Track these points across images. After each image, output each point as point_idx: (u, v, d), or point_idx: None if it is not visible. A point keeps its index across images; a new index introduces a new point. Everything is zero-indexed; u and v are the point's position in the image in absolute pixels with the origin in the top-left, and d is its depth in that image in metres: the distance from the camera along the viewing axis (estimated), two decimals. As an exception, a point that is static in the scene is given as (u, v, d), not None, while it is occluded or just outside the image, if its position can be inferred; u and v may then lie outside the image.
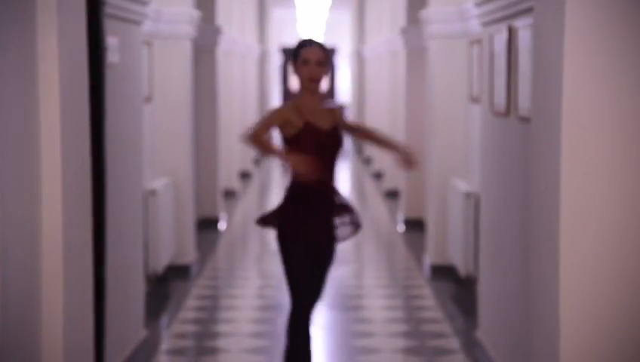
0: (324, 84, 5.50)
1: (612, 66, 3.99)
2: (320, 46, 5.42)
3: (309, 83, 5.37)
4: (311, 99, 5.41)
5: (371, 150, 20.37)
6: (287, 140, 5.37)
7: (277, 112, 5.42)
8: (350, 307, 8.14)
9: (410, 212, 12.22)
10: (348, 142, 28.78)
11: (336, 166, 5.48)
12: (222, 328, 7.52)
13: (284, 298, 8.08)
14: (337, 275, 9.01)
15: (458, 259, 8.58)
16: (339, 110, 5.56)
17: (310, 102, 5.41)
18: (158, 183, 8.78)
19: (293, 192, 5.38)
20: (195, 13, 9.53)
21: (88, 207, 5.03)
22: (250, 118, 19.93)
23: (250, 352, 6.85)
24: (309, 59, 5.36)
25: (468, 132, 9.06)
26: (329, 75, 6.32)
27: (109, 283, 5.57)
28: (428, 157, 9.92)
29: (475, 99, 8.43)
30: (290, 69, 5.47)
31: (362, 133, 5.74)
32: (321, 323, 7.59)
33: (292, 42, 34.35)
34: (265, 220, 5.43)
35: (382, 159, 17.54)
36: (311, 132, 5.33)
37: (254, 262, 10.38)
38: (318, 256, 5.41)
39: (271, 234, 12.52)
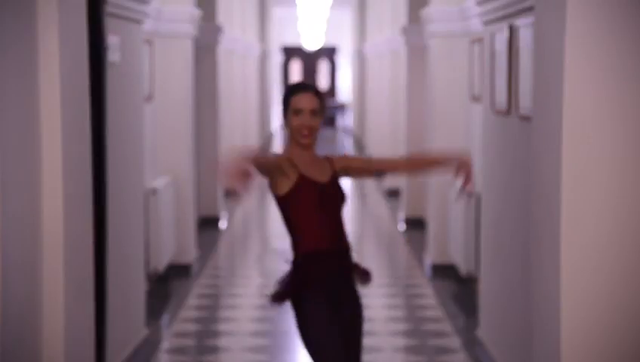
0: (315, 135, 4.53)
1: (613, 65, 3.99)
2: (314, 91, 4.54)
3: (302, 137, 4.49)
4: (304, 152, 4.53)
5: (373, 148, 20.34)
6: (282, 199, 4.48)
7: (275, 156, 4.52)
8: (351, 306, 8.14)
9: (410, 211, 12.22)
10: (349, 143, 28.77)
11: (343, 223, 4.59)
12: (223, 327, 7.52)
13: (284, 297, 8.07)
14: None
15: (459, 258, 8.58)
16: (338, 156, 4.69)
17: (303, 155, 4.53)
18: (159, 182, 8.78)
19: (304, 270, 4.48)
20: (196, 12, 9.53)
21: (89, 206, 5.03)
22: (252, 116, 19.93)
23: (251, 351, 6.85)
24: (302, 108, 4.48)
25: (469, 131, 9.06)
26: (323, 118, 4.80)
27: (110, 282, 5.57)
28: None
29: (476, 98, 8.43)
30: (282, 116, 4.57)
31: (381, 165, 4.77)
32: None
33: (293, 41, 34.41)
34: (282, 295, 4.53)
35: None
36: (309, 186, 4.47)
37: (255, 260, 10.38)
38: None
39: (271, 233, 12.54)
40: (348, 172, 4.69)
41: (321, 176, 4.55)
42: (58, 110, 4.50)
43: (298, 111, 4.49)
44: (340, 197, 4.57)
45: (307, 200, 4.48)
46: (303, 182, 4.47)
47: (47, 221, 4.52)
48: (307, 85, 4.57)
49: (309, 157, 4.54)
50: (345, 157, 4.71)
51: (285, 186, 4.46)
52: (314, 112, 4.49)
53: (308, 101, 4.49)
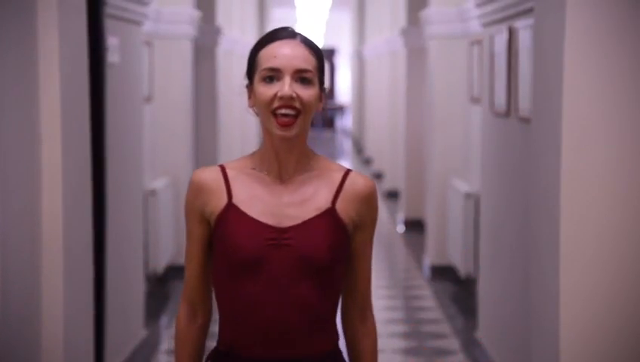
0: (304, 127, 2.52)
1: (612, 67, 3.99)
2: (302, 39, 2.55)
3: (279, 122, 2.49)
4: (282, 156, 2.55)
5: (372, 150, 20.34)
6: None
7: (187, 205, 2.61)
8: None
9: (410, 212, 12.22)
10: (348, 144, 28.72)
11: (331, 305, 2.57)
12: (222, 328, 7.52)
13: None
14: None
15: (458, 260, 8.59)
16: (360, 183, 2.58)
17: (280, 162, 2.55)
18: (158, 183, 8.78)
19: None
20: (195, 14, 9.53)
21: (88, 207, 5.03)
22: (250, 117, 19.93)
23: (250, 352, 6.85)
24: (279, 66, 2.47)
25: (468, 132, 9.06)
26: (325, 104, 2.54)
27: (109, 283, 5.57)
28: (428, 157, 9.92)
29: (475, 100, 8.43)
30: (247, 94, 2.63)
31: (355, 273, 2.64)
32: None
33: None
34: None
35: (382, 159, 17.53)
36: (242, 225, 2.51)
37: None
38: None
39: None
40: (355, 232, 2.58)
41: (285, 210, 2.52)
42: (58, 111, 4.50)
43: (272, 73, 2.48)
44: (316, 255, 2.49)
45: (233, 252, 2.50)
46: (231, 215, 2.52)
47: (47, 221, 4.52)
48: (292, 30, 2.56)
49: (291, 168, 2.55)
50: (363, 201, 2.57)
51: (212, 216, 2.56)
52: (303, 76, 2.48)
53: (290, 53, 2.48)
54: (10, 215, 4.14)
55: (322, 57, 2.56)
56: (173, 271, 9.20)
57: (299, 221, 2.50)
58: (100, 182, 5.29)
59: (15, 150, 4.23)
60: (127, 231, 6.38)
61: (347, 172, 2.58)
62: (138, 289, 6.79)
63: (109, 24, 5.59)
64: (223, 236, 2.52)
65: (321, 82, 2.54)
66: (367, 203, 2.57)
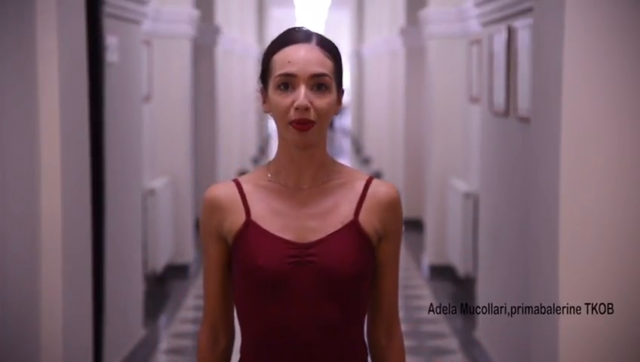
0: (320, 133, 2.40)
1: (611, 67, 3.99)
2: (320, 41, 2.41)
3: (294, 129, 2.35)
4: (298, 164, 2.42)
5: (371, 149, 20.34)
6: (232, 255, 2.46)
7: (202, 225, 2.48)
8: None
9: (409, 212, 12.21)
10: (347, 144, 28.72)
11: (357, 323, 2.47)
12: (221, 328, 7.52)
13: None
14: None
15: (457, 259, 8.58)
16: (385, 193, 2.46)
17: (289, 176, 2.43)
18: (158, 183, 8.78)
19: None
20: (195, 13, 9.53)
21: (88, 207, 5.03)
22: (250, 117, 19.94)
23: (249, 352, 6.85)
24: (295, 72, 2.35)
25: (467, 132, 9.06)
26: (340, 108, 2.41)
27: (108, 283, 5.57)
28: (427, 157, 9.92)
29: (474, 100, 8.43)
30: (261, 104, 2.46)
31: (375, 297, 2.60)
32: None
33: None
34: None
35: (381, 159, 17.53)
36: (262, 242, 2.39)
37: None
38: None
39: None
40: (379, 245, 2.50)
41: (306, 223, 2.41)
42: (57, 110, 4.50)
43: (287, 79, 2.36)
44: (340, 271, 2.38)
45: (253, 272, 2.40)
46: (250, 233, 2.41)
47: (46, 221, 4.51)
48: (307, 32, 2.43)
49: (309, 177, 2.43)
50: (388, 214, 2.46)
51: (230, 234, 2.44)
52: (319, 82, 2.36)
53: (305, 58, 2.36)
54: (10, 215, 4.13)
55: (340, 58, 2.44)
56: (172, 271, 9.20)
57: (322, 234, 2.39)
58: (99, 181, 5.29)
59: (15, 150, 4.23)
60: (126, 230, 6.38)
61: (369, 180, 2.46)
62: (137, 289, 6.79)
63: (108, 23, 5.59)
64: (243, 255, 2.40)
65: (339, 84, 2.42)
66: (390, 211, 2.46)
